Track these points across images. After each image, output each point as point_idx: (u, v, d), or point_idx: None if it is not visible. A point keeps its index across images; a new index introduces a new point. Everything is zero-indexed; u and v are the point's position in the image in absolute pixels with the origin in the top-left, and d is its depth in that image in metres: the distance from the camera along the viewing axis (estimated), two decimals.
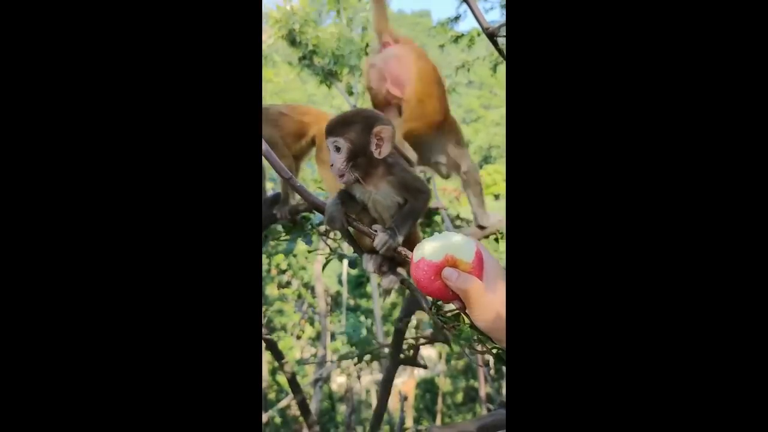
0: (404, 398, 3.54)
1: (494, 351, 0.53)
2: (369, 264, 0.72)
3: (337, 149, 0.64)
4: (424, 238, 0.56)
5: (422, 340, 2.01)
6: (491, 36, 0.64)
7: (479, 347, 0.53)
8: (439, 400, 6.61)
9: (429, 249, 0.52)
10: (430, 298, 0.60)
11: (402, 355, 2.00)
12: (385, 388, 1.94)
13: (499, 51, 0.68)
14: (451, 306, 0.56)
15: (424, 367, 2.40)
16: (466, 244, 0.52)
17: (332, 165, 0.65)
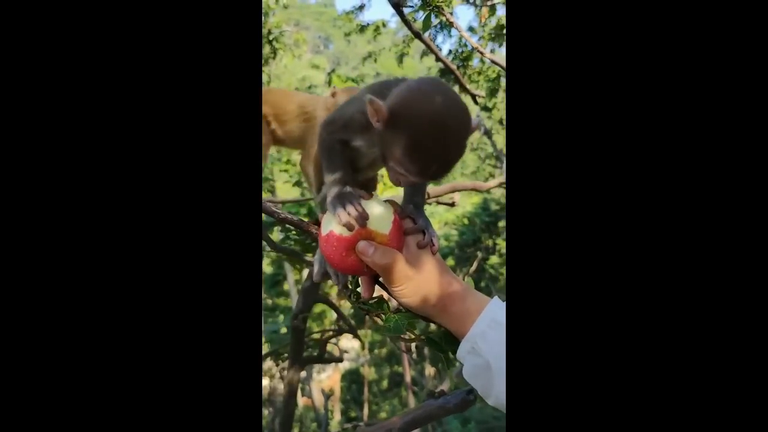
0: (329, 395, 3.45)
1: (422, 337, 0.50)
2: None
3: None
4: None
5: (328, 334, 1.92)
6: (396, 6, 0.61)
7: (406, 336, 0.49)
8: (365, 389, 6.68)
9: (338, 220, 0.45)
10: (350, 286, 0.55)
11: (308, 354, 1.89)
12: (291, 396, 1.79)
13: (405, 22, 0.65)
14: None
15: (339, 360, 2.29)
16: (382, 212, 0.46)
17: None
